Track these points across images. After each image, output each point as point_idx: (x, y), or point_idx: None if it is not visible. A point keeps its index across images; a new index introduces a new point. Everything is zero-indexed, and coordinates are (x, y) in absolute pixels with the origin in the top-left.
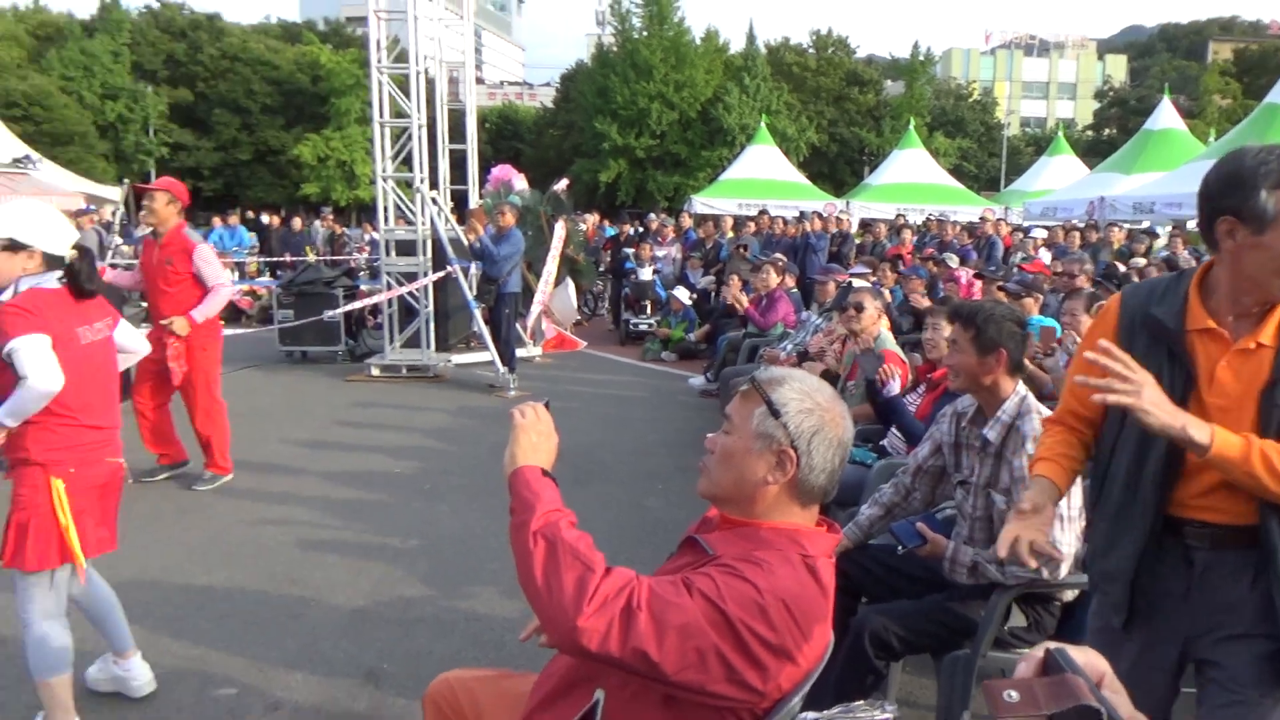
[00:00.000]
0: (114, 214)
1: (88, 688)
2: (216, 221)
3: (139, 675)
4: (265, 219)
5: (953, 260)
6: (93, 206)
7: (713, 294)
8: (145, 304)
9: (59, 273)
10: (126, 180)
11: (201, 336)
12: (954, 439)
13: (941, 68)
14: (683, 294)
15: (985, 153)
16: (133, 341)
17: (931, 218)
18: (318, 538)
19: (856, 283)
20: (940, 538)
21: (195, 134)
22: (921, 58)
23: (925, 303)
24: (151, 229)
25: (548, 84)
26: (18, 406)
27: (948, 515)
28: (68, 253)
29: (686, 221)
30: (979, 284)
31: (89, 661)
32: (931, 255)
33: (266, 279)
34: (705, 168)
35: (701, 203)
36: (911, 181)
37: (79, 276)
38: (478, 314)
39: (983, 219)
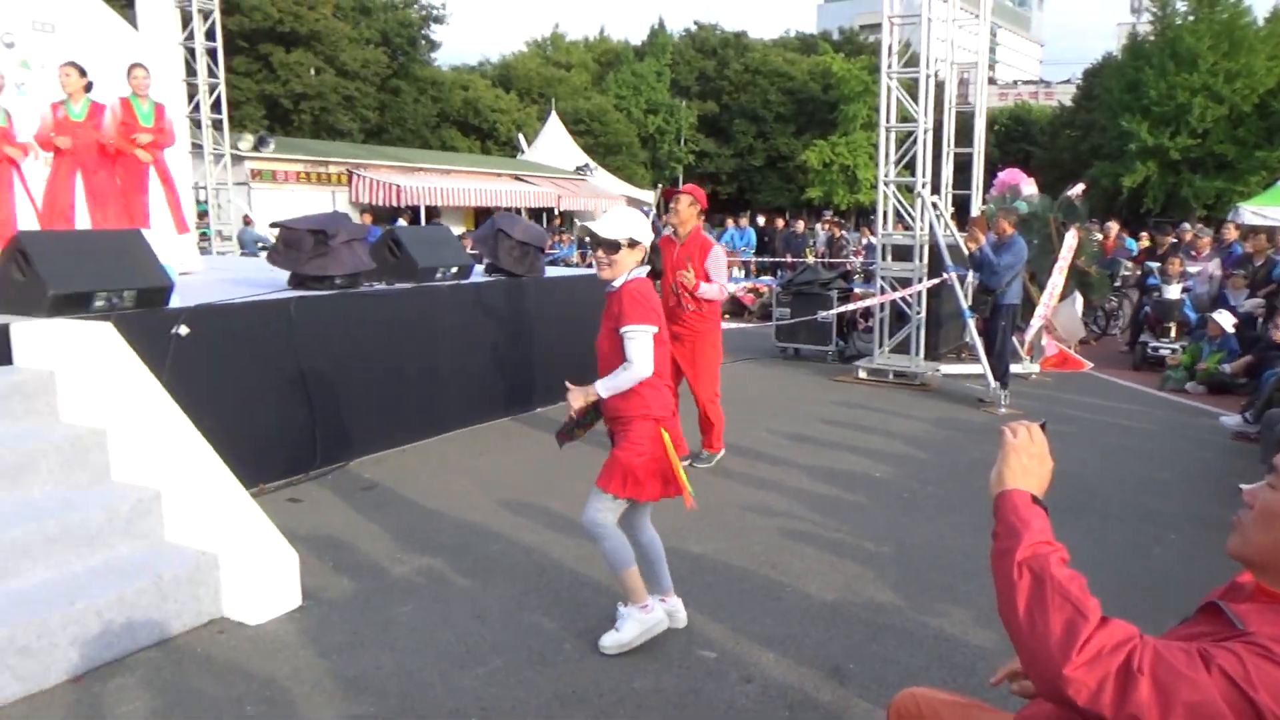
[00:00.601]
0: (647, 214)
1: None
2: (729, 223)
3: (680, 610)
4: (760, 220)
5: None
6: (647, 208)
7: (1259, 320)
8: None
9: (647, 266)
10: (660, 184)
11: (709, 331)
12: None
13: None
14: (1225, 319)
15: None
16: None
17: None
18: (796, 528)
19: None
20: None
21: (717, 142)
22: None
23: None
24: (673, 228)
25: (1067, 81)
26: (617, 384)
27: None
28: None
29: (1231, 234)
30: None
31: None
32: None
33: (768, 278)
34: (1259, 171)
35: (1253, 212)
36: None
37: (654, 265)
38: (971, 324)
39: None
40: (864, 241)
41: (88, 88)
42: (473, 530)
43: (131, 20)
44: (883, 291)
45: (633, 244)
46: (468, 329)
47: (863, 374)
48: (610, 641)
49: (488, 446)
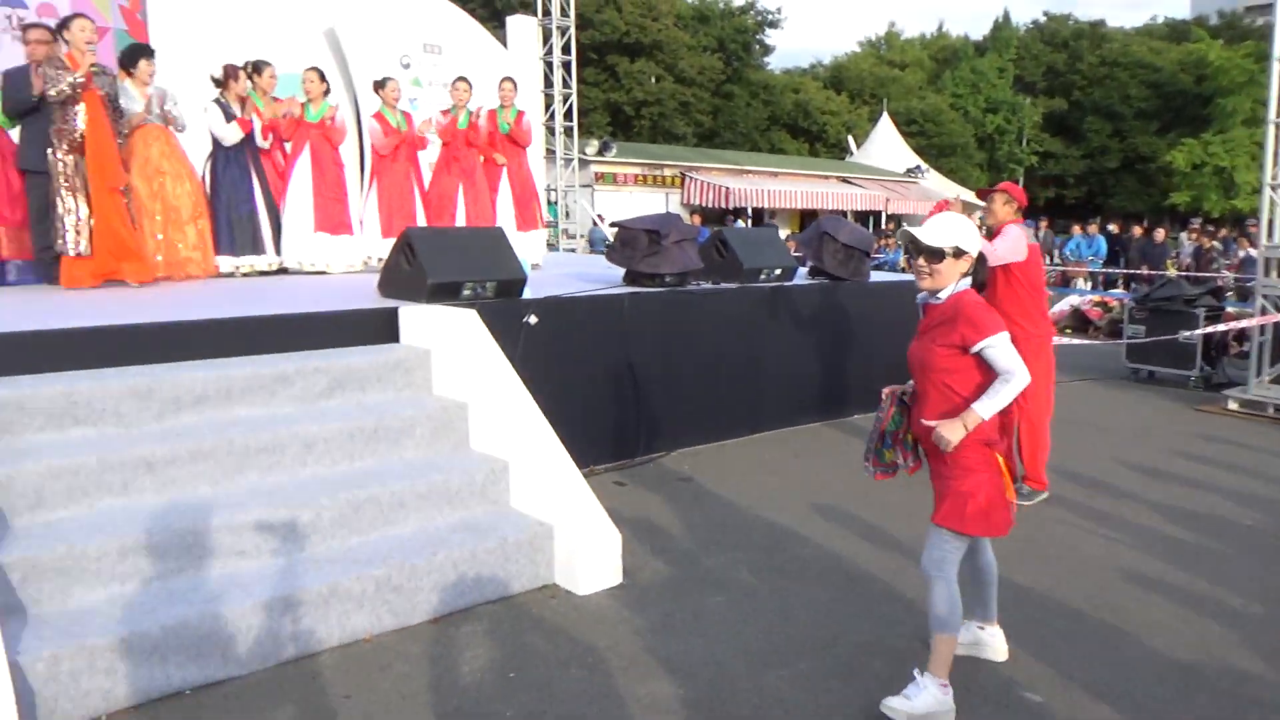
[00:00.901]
0: (979, 219)
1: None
2: (1075, 230)
3: (1000, 642)
4: (1111, 228)
5: None
6: (981, 215)
7: None
8: None
9: (970, 278)
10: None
11: (1036, 338)
12: None
13: None
14: None
15: None
16: None
17: None
18: (1141, 571)
19: None
20: None
21: (1064, 142)
22: None
23: None
24: (987, 228)
25: None
26: (1002, 399)
27: None
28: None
29: None
30: None
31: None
32: None
33: (1119, 291)
34: None
35: None
36: None
37: (979, 276)
38: None
39: None
40: (1240, 254)
41: (469, 100)
42: (783, 531)
43: (502, 40)
44: (1264, 312)
45: (958, 253)
46: (787, 331)
47: (1233, 405)
48: (899, 705)
49: (801, 449)
